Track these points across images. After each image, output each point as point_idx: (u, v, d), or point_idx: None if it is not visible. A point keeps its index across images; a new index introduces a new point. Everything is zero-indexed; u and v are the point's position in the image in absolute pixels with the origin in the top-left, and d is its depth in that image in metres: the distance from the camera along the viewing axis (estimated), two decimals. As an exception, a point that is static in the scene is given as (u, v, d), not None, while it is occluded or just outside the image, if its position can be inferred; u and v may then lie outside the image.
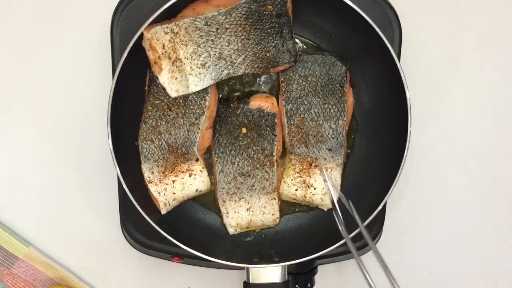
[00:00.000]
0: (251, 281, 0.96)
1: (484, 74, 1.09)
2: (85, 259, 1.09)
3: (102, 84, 1.04)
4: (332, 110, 0.99)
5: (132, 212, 0.96)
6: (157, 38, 0.94)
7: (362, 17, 0.94)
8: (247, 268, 0.97)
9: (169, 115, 0.98)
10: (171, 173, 0.99)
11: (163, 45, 0.94)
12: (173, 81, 0.96)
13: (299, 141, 1.00)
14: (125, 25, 0.99)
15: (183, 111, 0.98)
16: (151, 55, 0.95)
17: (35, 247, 1.07)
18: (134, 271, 1.09)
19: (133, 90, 0.99)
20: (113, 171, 0.95)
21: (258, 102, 1.00)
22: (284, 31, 0.97)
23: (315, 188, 0.99)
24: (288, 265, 0.96)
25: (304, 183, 0.99)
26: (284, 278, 0.96)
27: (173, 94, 0.96)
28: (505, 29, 1.09)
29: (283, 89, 0.99)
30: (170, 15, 0.95)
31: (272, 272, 0.96)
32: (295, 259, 0.95)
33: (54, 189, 1.08)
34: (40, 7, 1.09)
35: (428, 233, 1.09)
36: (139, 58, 0.96)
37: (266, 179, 1.00)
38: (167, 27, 0.94)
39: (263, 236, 1.03)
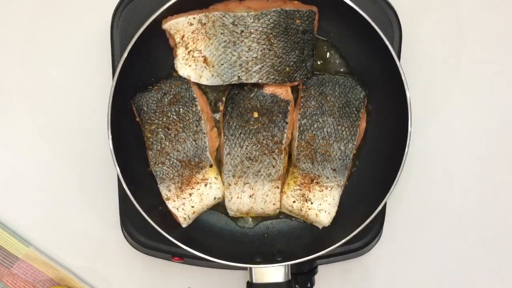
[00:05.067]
0: (254, 281, 0.96)
1: (484, 73, 1.09)
2: (85, 259, 1.08)
3: (102, 84, 1.04)
4: (344, 133, 0.99)
5: (132, 212, 0.96)
6: (177, 29, 0.96)
7: (362, 16, 0.94)
8: (250, 268, 0.96)
9: (170, 134, 0.98)
10: (187, 186, 0.98)
11: (183, 36, 0.96)
12: (186, 67, 0.98)
13: (306, 157, 1.00)
14: (125, 25, 0.99)
15: (181, 124, 0.98)
16: (171, 41, 0.98)
17: (35, 247, 1.07)
18: (134, 271, 1.09)
19: (133, 90, 0.99)
20: (113, 171, 0.95)
21: (273, 88, 1.00)
22: (307, 48, 0.98)
23: (312, 203, 0.99)
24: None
25: (302, 197, 1.00)
26: (287, 277, 0.96)
27: (184, 76, 0.98)
28: (505, 29, 1.09)
29: (301, 104, 1.00)
30: (202, 5, 0.97)
31: (275, 272, 0.96)
32: (297, 259, 0.95)
33: (54, 189, 1.08)
34: (40, 7, 1.08)
35: (428, 233, 1.09)
36: (139, 58, 0.96)
37: (273, 166, 0.99)
38: (194, 18, 0.96)
39: (266, 236, 1.03)
